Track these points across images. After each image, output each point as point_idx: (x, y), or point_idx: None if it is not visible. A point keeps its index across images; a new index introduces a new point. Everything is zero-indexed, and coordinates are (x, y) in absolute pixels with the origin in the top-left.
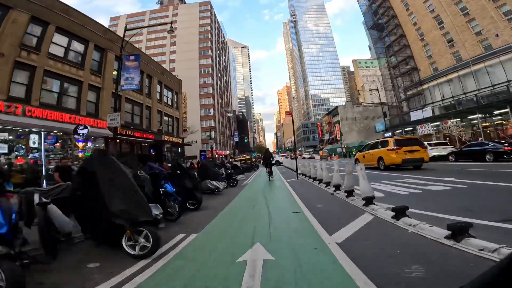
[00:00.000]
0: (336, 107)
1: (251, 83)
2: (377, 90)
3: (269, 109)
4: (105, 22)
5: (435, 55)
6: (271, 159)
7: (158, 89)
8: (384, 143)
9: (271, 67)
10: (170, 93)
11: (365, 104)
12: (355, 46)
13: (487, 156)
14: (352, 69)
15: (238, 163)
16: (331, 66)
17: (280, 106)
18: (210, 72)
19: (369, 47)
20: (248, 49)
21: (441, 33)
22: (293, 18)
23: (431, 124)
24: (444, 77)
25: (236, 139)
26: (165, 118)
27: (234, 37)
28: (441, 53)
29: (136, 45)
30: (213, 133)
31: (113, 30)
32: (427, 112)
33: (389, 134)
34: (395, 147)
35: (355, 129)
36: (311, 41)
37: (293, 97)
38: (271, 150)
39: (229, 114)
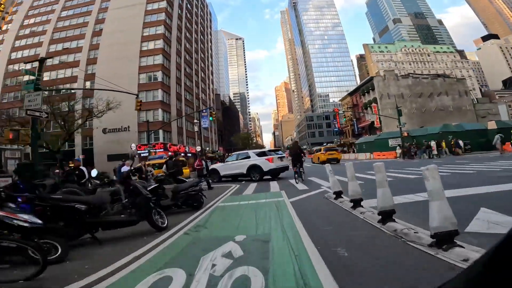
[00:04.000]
0: (371, 78)
1: (246, 78)
2: None
3: (268, 109)
4: None
5: None
6: (302, 156)
7: None
8: (320, 150)
9: (271, 67)
10: None
11: (415, 75)
12: (358, 41)
13: None
14: (355, 62)
15: None
16: (339, 51)
17: (278, 103)
18: (163, 19)
19: (373, 39)
20: (243, 41)
21: None
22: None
23: None
24: None
25: (205, 125)
26: None
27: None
28: None
29: None
30: (160, 112)
31: None
32: None
33: None
34: (324, 152)
35: (403, 110)
36: (314, 24)
37: (293, 91)
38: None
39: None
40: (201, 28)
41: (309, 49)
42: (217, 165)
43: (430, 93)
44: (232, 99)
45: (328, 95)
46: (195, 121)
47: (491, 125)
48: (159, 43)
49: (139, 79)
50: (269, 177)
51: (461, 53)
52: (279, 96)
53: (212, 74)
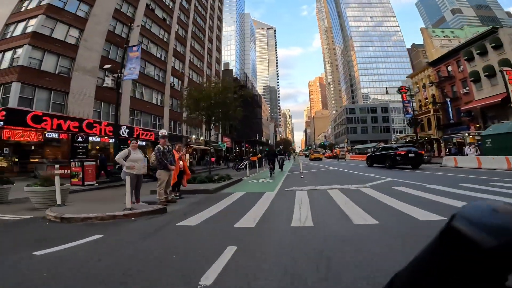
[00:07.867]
0: (493, 30)
1: (277, 70)
2: None
3: (300, 107)
4: None
5: None
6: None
7: None
8: (311, 152)
9: (306, 65)
10: None
11: None
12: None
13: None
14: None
15: None
16: (387, 35)
17: (311, 98)
18: None
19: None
20: (275, 31)
21: None
22: None
23: None
24: None
25: (132, 75)
26: None
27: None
28: None
29: None
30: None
31: None
32: None
33: None
34: (313, 153)
35: None
36: (358, 11)
37: (329, 83)
38: (299, 148)
39: None
40: None
41: (351, 36)
42: None
43: None
44: (262, 93)
45: (369, 91)
46: (105, 66)
47: None
48: None
49: None
50: None
51: None
52: (312, 91)
53: (219, 41)
